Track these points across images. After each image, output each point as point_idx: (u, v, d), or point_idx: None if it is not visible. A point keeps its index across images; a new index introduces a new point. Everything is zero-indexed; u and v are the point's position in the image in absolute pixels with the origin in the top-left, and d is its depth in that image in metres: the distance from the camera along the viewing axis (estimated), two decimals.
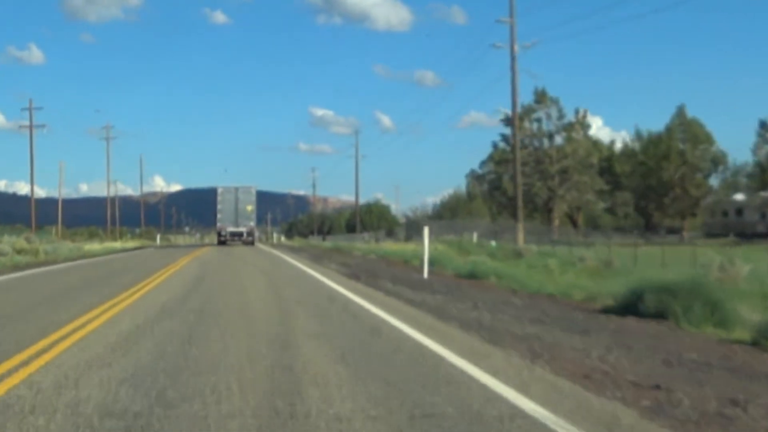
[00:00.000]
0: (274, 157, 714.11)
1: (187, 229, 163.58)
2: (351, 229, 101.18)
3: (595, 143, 52.95)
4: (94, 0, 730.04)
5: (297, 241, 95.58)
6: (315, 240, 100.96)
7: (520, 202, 36.39)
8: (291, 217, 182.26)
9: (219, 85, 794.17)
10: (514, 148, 37.73)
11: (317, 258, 27.39)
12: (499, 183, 52.73)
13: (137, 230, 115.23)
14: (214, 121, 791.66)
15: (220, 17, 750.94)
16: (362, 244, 59.12)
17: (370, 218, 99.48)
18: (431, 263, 25.27)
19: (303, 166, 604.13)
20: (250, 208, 50.71)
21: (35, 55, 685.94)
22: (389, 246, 43.89)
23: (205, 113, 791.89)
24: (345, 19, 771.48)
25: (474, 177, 59.18)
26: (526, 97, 51.40)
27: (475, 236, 39.18)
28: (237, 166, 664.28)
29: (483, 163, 56.68)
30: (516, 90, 36.89)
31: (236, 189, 50.94)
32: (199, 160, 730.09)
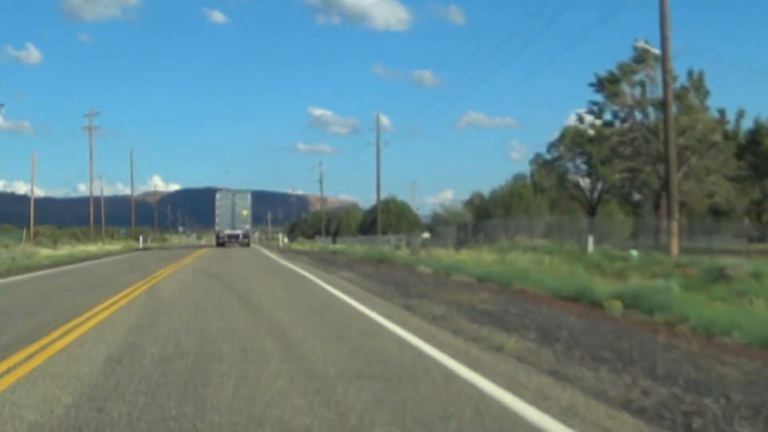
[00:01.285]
0: (272, 156, 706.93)
1: (180, 229, 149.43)
2: (366, 230, 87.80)
3: (721, 114, 39.22)
4: None
5: (303, 244, 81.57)
6: (324, 242, 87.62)
7: (674, 190, 23.24)
8: (293, 217, 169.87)
9: (217, 84, 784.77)
10: (665, 98, 24.66)
11: (389, 287, 14.04)
12: (591, 169, 39.15)
13: (122, 230, 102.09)
14: (213, 120, 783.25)
15: (218, 17, 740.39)
16: (394, 249, 46.05)
17: (387, 217, 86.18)
18: (581, 296, 12.82)
19: (302, 166, 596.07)
20: (245, 212, 53.80)
21: (33, 54, 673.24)
22: (448, 255, 30.80)
23: (204, 113, 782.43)
24: (343, 18, 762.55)
25: (539, 164, 45.48)
26: (622, 54, 38.92)
27: (590, 242, 26.18)
28: (235, 166, 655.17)
29: (552, 146, 43.17)
30: (666, 13, 24.00)
31: (233, 194, 54.87)
32: (198, 160, 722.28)
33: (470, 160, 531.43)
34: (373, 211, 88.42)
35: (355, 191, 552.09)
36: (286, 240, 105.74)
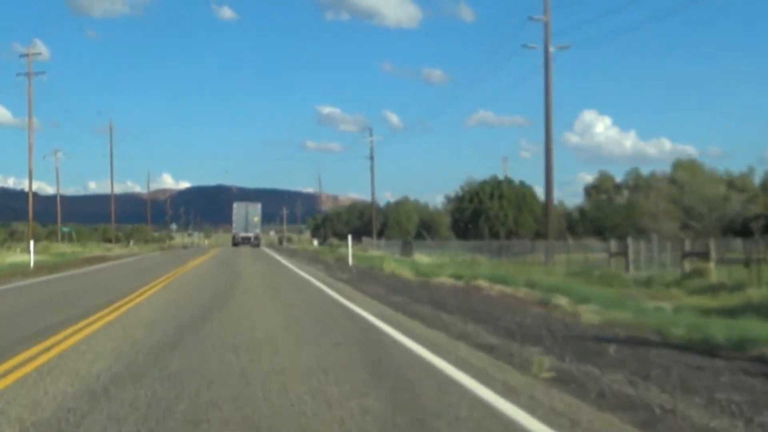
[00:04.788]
0: (281, 154, 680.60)
1: (173, 226, 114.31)
2: (461, 231, 51.71)
3: None
4: None
5: (359, 253, 43.08)
6: (379, 247, 52.76)
7: None
8: (317, 213, 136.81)
9: (225, 81, 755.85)
10: None
11: None
12: None
13: (65, 228, 68.39)
14: (222, 118, 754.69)
15: (227, 13, 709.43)
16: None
17: (500, 207, 50.85)
18: None
19: (311, 164, 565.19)
20: (256, 219, 69.73)
21: (41, 51, 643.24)
22: None
23: (212, 110, 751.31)
24: (353, 15, 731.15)
25: None
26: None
27: None
28: (244, 164, 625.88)
29: None
30: None
31: (246, 204, 72.26)
32: (208, 157, 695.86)
33: (477, 158, 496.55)
34: (473, 199, 52.82)
35: (362, 190, 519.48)
36: (315, 242, 70.85)
